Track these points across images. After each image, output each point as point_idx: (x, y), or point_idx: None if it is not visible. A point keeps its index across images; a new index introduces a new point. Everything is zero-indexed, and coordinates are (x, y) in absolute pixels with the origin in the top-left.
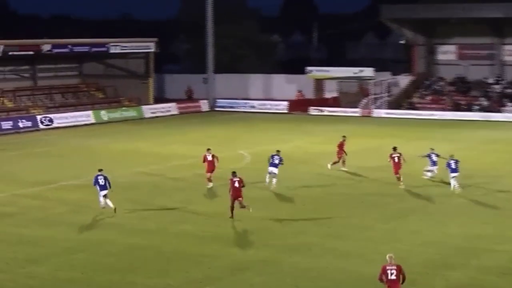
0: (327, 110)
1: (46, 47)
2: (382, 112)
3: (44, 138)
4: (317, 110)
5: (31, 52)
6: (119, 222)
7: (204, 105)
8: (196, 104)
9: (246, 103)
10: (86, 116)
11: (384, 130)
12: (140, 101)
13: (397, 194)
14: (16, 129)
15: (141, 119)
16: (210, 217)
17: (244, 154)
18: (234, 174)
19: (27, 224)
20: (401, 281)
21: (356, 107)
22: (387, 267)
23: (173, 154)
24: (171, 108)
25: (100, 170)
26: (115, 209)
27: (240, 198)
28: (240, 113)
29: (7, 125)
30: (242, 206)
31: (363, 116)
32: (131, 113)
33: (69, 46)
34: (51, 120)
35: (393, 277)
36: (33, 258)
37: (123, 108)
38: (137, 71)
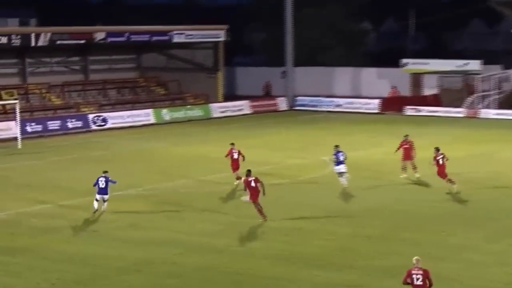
0: (425, 110)
1: (99, 35)
2: (491, 113)
3: (96, 140)
4: (414, 110)
5: (82, 41)
6: (181, 238)
7: (281, 103)
8: (273, 102)
9: (330, 101)
10: (145, 116)
11: (493, 133)
12: (208, 98)
13: (505, 209)
14: (64, 130)
15: (208, 119)
16: (283, 233)
17: (327, 161)
18: (249, 172)
19: (76, 240)
20: (427, 287)
21: (460, 106)
22: (413, 271)
23: (246, 160)
24: (243, 106)
25: (104, 172)
26: (95, 212)
27: (256, 201)
28: (323, 113)
29: (54, 125)
30: (258, 210)
31: (468, 117)
32: (197, 112)
33: (126, 34)
34: (104, 120)
35: (419, 282)
36: (82, 279)
37: (188, 106)
38: (204, 63)
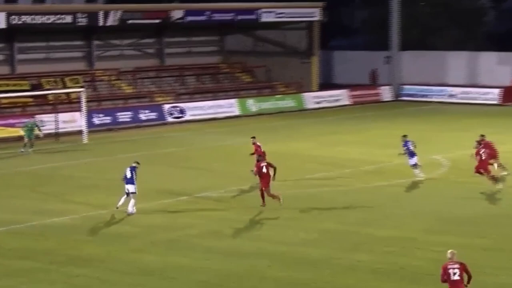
0: None
1: (176, 14)
2: None
3: (173, 135)
4: None
5: (156, 21)
6: (271, 248)
7: (385, 93)
8: (375, 91)
9: (442, 90)
10: (228, 106)
11: None
12: (300, 87)
13: None
14: (136, 123)
15: (301, 111)
16: (389, 243)
17: (440, 160)
18: (260, 157)
19: (150, 249)
20: (466, 281)
21: None
22: (449, 266)
23: (344, 158)
24: (341, 96)
25: (136, 163)
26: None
27: (267, 188)
28: (434, 104)
29: (125, 117)
30: (271, 195)
31: None
32: (288, 102)
33: (207, 13)
34: (182, 111)
35: (456, 277)
36: None
37: (278, 96)
38: (297, 46)
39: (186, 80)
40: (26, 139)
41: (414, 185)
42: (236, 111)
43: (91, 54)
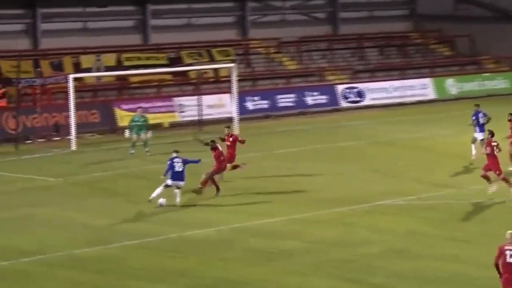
0: None
1: None
2: None
3: (348, 124)
4: None
5: None
6: (475, 273)
7: None
8: None
9: None
10: (420, 88)
11: None
12: None
13: None
14: (301, 108)
15: None
16: None
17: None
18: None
19: (320, 271)
20: None
21: None
22: (506, 247)
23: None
24: None
25: (175, 152)
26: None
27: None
28: None
29: (286, 100)
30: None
31: None
32: (499, 83)
33: None
34: (360, 94)
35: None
36: None
37: (485, 74)
38: None
39: (366, 54)
40: (134, 136)
41: None
42: (431, 94)
43: (245, 20)
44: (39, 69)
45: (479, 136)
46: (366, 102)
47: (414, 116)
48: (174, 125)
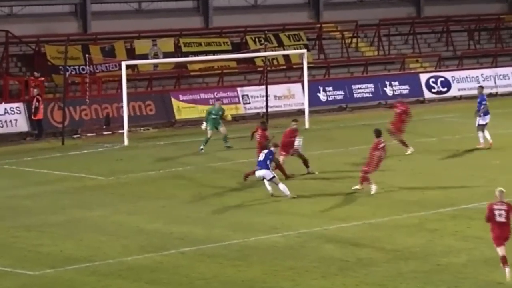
0: None
1: None
2: None
3: (432, 118)
4: None
5: None
6: None
7: None
8: None
9: None
10: None
11: None
12: None
13: None
14: (380, 99)
15: None
16: None
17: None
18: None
19: (398, 283)
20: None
21: None
22: (495, 206)
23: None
24: None
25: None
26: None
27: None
28: None
29: (363, 91)
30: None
31: None
32: None
33: None
34: (446, 84)
35: (502, 219)
36: None
37: None
38: None
39: (454, 39)
40: (209, 132)
41: None
42: None
43: (318, 0)
44: (88, 55)
45: (479, 120)
46: (453, 93)
47: (508, 108)
48: (237, 118)
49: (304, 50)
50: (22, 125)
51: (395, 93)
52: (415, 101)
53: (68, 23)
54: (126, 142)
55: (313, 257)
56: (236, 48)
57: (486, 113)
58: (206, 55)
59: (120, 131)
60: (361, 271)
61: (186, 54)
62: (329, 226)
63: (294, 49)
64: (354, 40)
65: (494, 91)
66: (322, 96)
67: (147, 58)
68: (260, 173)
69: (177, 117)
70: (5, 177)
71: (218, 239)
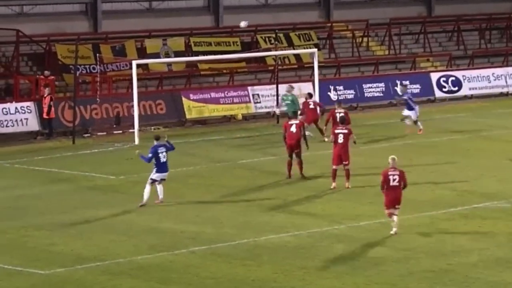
0: None
1: None
2: None
3: (443, 117)
4: None
5: None
6: None
7: None
8: None
9: None
10: None
11: None
12: None
13: None
14: (390, 99)
15: None
16: None
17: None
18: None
19: (409, 282)
20: (402, 187)
21: None
22: (389, 172)
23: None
24: None
25: (159, 139)
26: (143, 204)
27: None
28: None
29: (374, 90)
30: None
31: None
32: None
33: None
34: (457, 83)
35: (395, 183)
36: None
37: None
38: None
39: (464, 38)
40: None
41: None
42: None
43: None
44: (99, 54)
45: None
46: (464, 92)
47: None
48: (247, 118)
49: (315, 49)
50: (33, 124)
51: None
52: (426, 100)
53: (78, 22)
54: (136, 141)
55: (324, 257)
56: (247, 48)
57: (411, 107)
58: (216, 55)
59: (130, 130)
60: (371, 270)
61: (197, 54)
62: (340, 226)
63: (305, 48)
64: (365, 39)
65: (505, 90)
66: (332, 95)
67: (158, 57)
68: (165, 175)
69: (188, 116)
70: (16, 176)
71: (229, 238)
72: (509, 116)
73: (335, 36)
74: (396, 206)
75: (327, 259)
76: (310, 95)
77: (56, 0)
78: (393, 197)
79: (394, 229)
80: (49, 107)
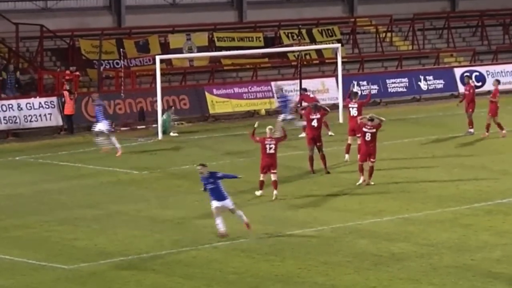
0: None
1: None
2: None
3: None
4: None
5: None
6: None
7: None
8: None
9: None
10: None
11: None
12: None
13: None
14: (414, 94)
15: None
16: None
17: None
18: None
19: (432, 277)
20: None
21: None
22: (266, 141)
23: None
24: None
25: (201, 166)
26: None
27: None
28: None
29: (398, 85)
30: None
31: None
32: None
33: None
34: (481, 78)
35: (272, 151)
36: None
37: None
38: None
39: (488, 33)
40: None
41: None
42: None
43: None
44: (122, 49)
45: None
46: (488, 87)
47: None
48: (270, 113)
49: (338, 45)
50: (56, 119)
51: (430, 88)
52: (450, 95)
53: (102, 17)
54: (160, 137)
55: (347, 252)
56: (270, 43)
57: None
58: (239, 50)
59: (154, 125)
60: (394, 266)
61: (220, 49)
62: (363, 221)
63: (329, 43)
64: (389, 34)
65: None
66: (356, 91)
67: (181, 53)
68: (228, 203)
69: (211, 111)
70: (40, 171)
71: (252, 233)
72: None
73: (359, 31)
74: (268, 171)
75: (350, 255)
76: (305, 90)
77: None
78: (267, 163)
79: None
80: (63, 103)
